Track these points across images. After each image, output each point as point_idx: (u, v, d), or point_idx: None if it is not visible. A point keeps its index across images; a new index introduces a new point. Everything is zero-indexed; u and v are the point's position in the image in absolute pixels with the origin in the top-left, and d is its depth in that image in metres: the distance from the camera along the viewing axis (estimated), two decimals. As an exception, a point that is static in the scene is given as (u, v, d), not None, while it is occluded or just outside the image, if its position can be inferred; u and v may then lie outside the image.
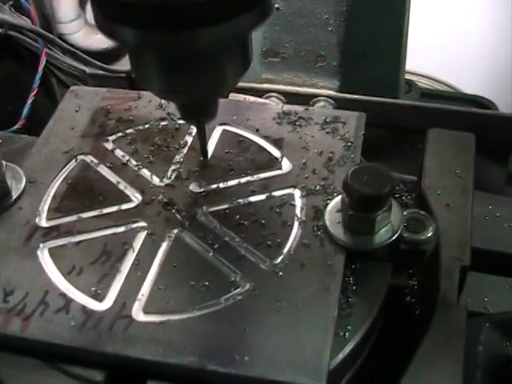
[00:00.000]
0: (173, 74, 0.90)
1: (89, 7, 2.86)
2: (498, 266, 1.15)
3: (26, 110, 1.66)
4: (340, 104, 1.52)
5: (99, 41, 2.77)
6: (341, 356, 0.92)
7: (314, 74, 1.58)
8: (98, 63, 1.72)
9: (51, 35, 1.78)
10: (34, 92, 1.69)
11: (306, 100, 1.52)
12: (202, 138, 1.09)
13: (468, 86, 2.24)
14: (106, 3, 0.82)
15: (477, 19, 2.44)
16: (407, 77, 1.75)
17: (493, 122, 1.48)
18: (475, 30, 2.44)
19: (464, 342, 0.96)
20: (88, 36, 2.72)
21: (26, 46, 1.77)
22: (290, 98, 1.55)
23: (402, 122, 1.53)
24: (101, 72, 1.69)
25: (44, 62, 1.72)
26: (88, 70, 1.71)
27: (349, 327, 0.94)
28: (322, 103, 1.54)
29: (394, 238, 0.99)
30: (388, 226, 1.00)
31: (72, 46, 1.85)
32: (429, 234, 1.01)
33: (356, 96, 1.50)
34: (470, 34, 2.45)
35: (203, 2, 0.78)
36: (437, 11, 2.41)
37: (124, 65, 1.76)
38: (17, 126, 1.61)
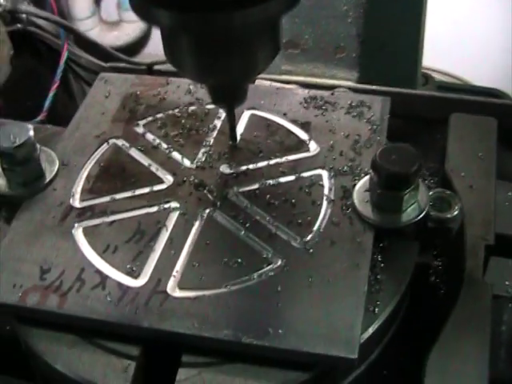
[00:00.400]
0: (206, 56, 0.92)
1: (103, 4, 2.89)
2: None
3: (47, 103, 1.68)
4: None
5: (114, 38, 2.79)
6: (371, 330, 0.94)
7: (333, 65, 1.59)
8: (120, 55, 1.74)
9: (73, 26, 1.81)
10: (56, 85, 1.71)
11: (326, 91, 1.53)
12: (232, 122, 1.11)
13: (482, 80, 2.25)
14: None
15: (489, 14, 2.44)
16: (422, 71, 1.77)
17: (509, 111, 1.48)
18: (488, 25, 2.44)
19: (490, 317, 0.99)
20: (103, 33, 2.74)
21: (45, 41, 1.79)
22: (310, 89, 1.55)
23: (421, 112, 1.54)
24: (121, 65, 1.71)
25: (66, 57, 1.74)
26: (107, 65, 1.73)
27: (378, 303, 0.97)
28: (338, 92, 1.55)
29: (421, 216, 1.01)
30: (415, 205, 1.02)
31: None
32: (455, 213, 1.03)
33: (375, 87, 1.51)
34: (482, 29, 2.45)
35: None
36: (450, 6, 2.42)
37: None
38: (39, 118, 1.63)
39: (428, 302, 1.11)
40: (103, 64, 1.74)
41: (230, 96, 1.03)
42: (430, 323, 1.05)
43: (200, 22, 0.83)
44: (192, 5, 0.81)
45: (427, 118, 1.53)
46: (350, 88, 1.51)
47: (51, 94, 1.70)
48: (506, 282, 1.13)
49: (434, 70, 2.24)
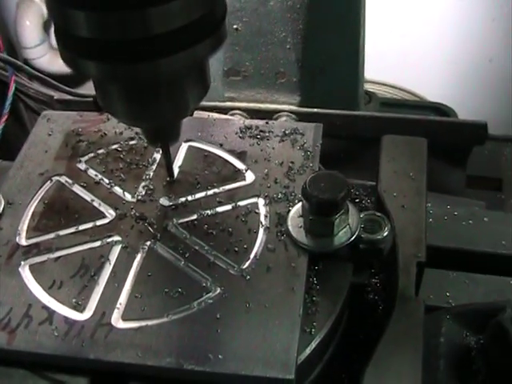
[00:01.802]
0: (136, 102, 0.96)
1: (53, 32, 2.89)
2: (458, 262, 1.22)
3: (-3, 136, 1.69)
4: (301, 118, 1.58)
5: (64, 65, 2.80)
6: (308, 351, 0.98)
7: (274, 90, 1.64)
8: (67, 88, 1.75)
9: (19, 62, 1.82)
10: (5, 118, 1.72)
11: (269, 116, 1.57)
12: (168, 159, 1.15)
13: (430, 93, 2.29)
14: (69, 38, 0.88)
15: (436, 26, 2.47)
16: (369, 86, 1.81)
17: (450, 128, 1.54)
18: (435, 37, 2.47)
19: (422, 332, 1.02)
20: (53, 60, 2.74)
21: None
22: (253, 114, 1.60)
23: (362, 133, 1.58)
24: (68, 97, 1.73)
25: (13, 89, 1.75)
26: (56, 95, 1.74)
27: (314, 323, 1.01)
28: (284, 118, 1.59)
29: (352, 238, 1.06)
30: (346, 228, 1.07)
31: (38, 70, 1.87)
32: (385, 234, 1.07)
33: (316, 110, 1.55)
34: (430, 41, 2.48)
35: (160, 34, 0.84)
36: (396, 19, 2.45)
37: (89, 89, 1.80)
38: (-13, 153, 1.64)
39: (368, 319, 1.15)
40: (52, 93, 1.75)
41: (164, 136, 1.07)
42: (369, 339, 1.08)
43: (127, 71, 0.87)
44: (118, 56, 0.85)
45: (368, 138, 1.55)
46: (291, 112, 1.55)
47: (0, 126, 1.71)
48: (447, 294, 1.18)
49: (379, 83, 2.28)
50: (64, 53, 0.91)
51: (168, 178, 1.17)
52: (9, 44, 2.13)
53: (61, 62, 2.47)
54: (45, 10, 2.74)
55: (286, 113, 1.57)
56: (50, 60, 2.77)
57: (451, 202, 1.33)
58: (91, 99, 1.64)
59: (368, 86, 1.88)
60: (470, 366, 1.05)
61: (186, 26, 0.85)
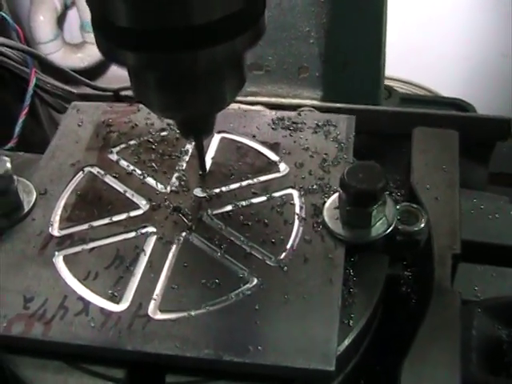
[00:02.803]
0: (172, 93, 0.95)
1: (66, 26, 2.89)
2: (485, 255, 1.21)
3: (17, 129, 1.67)
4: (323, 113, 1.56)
5: (78, 60, 2.80)
6: (346, 342, 0.98)
7: (297, 85, 1.63)
8: (88, 81, 1.75)
9: (40, 53, 1.81)
10: (26, 110, 1.71)
11: (291, 111, 1.54)
12: (201, 153, 1.14)
13: (445, 89, 2.29)
14: (108, 29, 0.87)
15: (449, 22, 2.47)
16: (386, 82, 1.79)
17: (473, 124, 1.53)
18: (448, 33, 2.47)
19: (459, 324, 1.02)
20: (67, 55, 2.75)
21: (10, 68, 1.79)
22: (276, 109, 1.57)
23: (385, 128, 1.57)
24: (88, 91, 1.72)
25: (34, 81, 1.74)
26: (74, 90, 1.74)
27: (352, 315, 1.00)
28: (304, 112, 1.58)
29: (389, 230, 1.05)
30: (383, 220, 1.06)
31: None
32: (421, 225, 1.07)
33: (339, 104, 1.54)
34: (442, 37, 2.48)
35: (200, 25, 0.83)
36: (411, 16, 2.44)
37: (105, 82, 1.79)
38: (10, 145, 1.64)
39: (400, 312, 1.15)
40: (70, 89, 1.75)
41: (198, 129, 1.06)
42: (403, 332, 1.08)
43: (166, 61, 0.86)
44: (158, 46, 0.84)
45: (391, 133, 1.56)
46: (314, 107, 1.54)
47: (21, 120, 1.70)
48: (475, 287, 1.17)
49: (397, 80, 2.28)
50: (101, 43, 0.90)
51: (200, 172, 1.17)
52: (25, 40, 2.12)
53: (75, 57, 2.49)
54: (58, 6, 2.75)
55: (308, 108, 1.55)
56: (63, 55, 2.77)
57: (477, 197, 1.32)
58: (111, 93, 1.64)
59: (385, 82, 1.87)
60: (501, 358, 1.05)
61: (226, 17, 0.84)
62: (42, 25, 2.75)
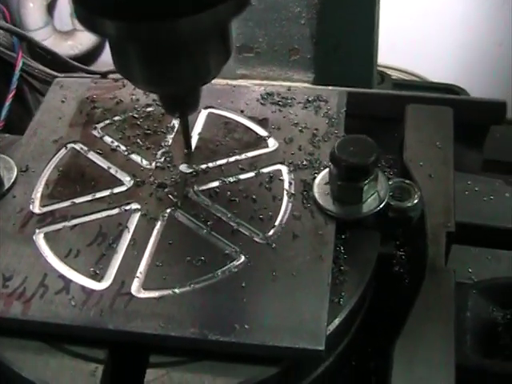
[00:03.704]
0: (154, 65, 0.91)
1: (57, 14, 2.85)
2: (480, 238, 1.19)
3: (4, 113, 1.65)
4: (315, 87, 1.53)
5: (68, 47, 2.77)
6: (337, 321, 0.95)
7: (288, 67, 1.59)
8: (75, 63, 1.72)
9: (27, 34, 1.78)
10: (12, 93, 1.68)
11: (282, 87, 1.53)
12: (186, 130, 1.10)
13: (440, 78, 2.26)
14: None
15: (445, 10, 2.45)
16: (379, 69, 1.77)
17: (467, 107, 1.49)
18: (444, 22, 2.44)
19: (454, 303, 1.00)
20: (57, 43, 2.71)
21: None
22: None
23: (377, 111, 1.54)
24: (76, 75, 1.68)
25: (21, 64, 1.71)
26: (61, 75, 1.71)
27: (343, 294, 0.97)
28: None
29: (381, 205, 1.02)
30: (375, 195, 1.03)
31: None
32: (415, 201, 1.04)
33: (331, 88, 1.50)
34: (438, 26, 2.45)
35: None
36: (407, 4, 2.42)
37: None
38: (-4, 128, 1.61)
39: (393, 292, 1.12)
40: (57, 74, 1.71)
41: (182, 105, 1.03)
42: (395, 312, 1.06)
43: (147, 30, 0.82)
44: (138, 14, 0.80)
45: (383, 117, 1.53)
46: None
47: (7, 103, 1.67)
48: (469, 270, 1.15)
49: (391, 68, 2.25)
50: (79, 11, 0.85)
51: (185, 150, 1.13)
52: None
53: (65, 44, 2.45)
54: (48, -8, 2.71)
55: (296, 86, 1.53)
56: (53, 43, 2.73)
57: (471, 179, 1.29)
58: (99, 76, 1.60)
59: (378, 69, 1.84)
60: (496, 340, 1.03)
61: None
62: (32, 12, 2.71)
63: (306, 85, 1.56)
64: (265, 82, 1.58)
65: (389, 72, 2.15)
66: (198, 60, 0.91)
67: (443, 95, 1.59)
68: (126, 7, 0.79)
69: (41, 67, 1.73)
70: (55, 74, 1.70)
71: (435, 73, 2.30)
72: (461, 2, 2.42)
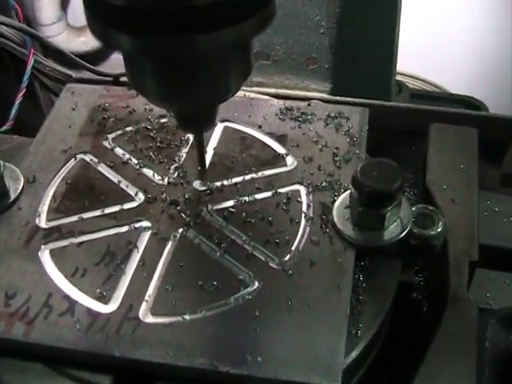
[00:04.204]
0: (169, 81, 0.86)
1: (70, 9, 2.83)
2: (499, 261, 1.14)
3: (14, 111, 1.62)
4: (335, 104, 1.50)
5: (81, 43, 2.73)
6: (354, 354, 0.91)
7: (305, 76, 1.56)
8: (87, 65, 1.69)
9: (38, 33, 1.75)
10: (23, 92, 1.65)
11: (302, 102, 1.49)
12: (200, 148, 1.05)
13: (455, 86, 2.23)
14: (101, 8, 0.77)
15: (457, 17, 2.42)
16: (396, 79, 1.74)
17: (487, 123, 1.46)
18: (462, 32, 2.41)
19: (475, 337, 0.96)
20: (70, 39, 2.67)
21: (8, 49, 1.74)
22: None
23: (396, 125, 1.50)
24: (87, 76, 1.65)
25: (32, 62, 1.68)
26: (74, 74, 1.68)
27: (360, 325, 0.93)
28: (315, 102, 1.52)
29: (404, 233, 0.98)
30: (397, 222, 0.99)
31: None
32: (438, 229, 1.00)
33: (349, 99, 1.47)
34: (456, 36, 2.42)
35: (202, 6, 0.73)
36: (424, 12, 2.39)
37: (108, 67, 1.72)
38: (5, 128, 1.58)
39: (410, 320, 1.08)
40: (69, 73, 1.68)
41: (198, 122, 0.98)
42: (413, 342, 1.02)
43: (163, 46, 0.77)
44: (154, 28, 0.75)
45: (402, 130, 1.50)
46: (322, 100, 1.48)
47: (17, 102, 1.64)
48: (487, 294, 1.10)
49: (407, 75, 2.22)
50: (92, 23, 0.80)
51: (199, 168, 1.08)
52: (26, 22, 2.06)
53: (78, 40, 2.42)
54: (62, -13, 2.69)
55: (316, 100, 1.49)
56: (66, 38, 2.70)
57: (490, 198, 1.24)
58: (111, 79, 1.57)
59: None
60: None
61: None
62: (45, 6, 2.68)
63: (323, 95, 1.52)
64: (281, 90, 1.55)
65: (405, 79, 2.12)
66: (217, 77, 0.87)
67: (463, 110, 1.55)
68: (141, 21, 0.74)
69: (53, 65, 1.71)
70: (66, 71, 1.68)
71: (451, 82, 2.27)
72: (476, 10, 2.39)
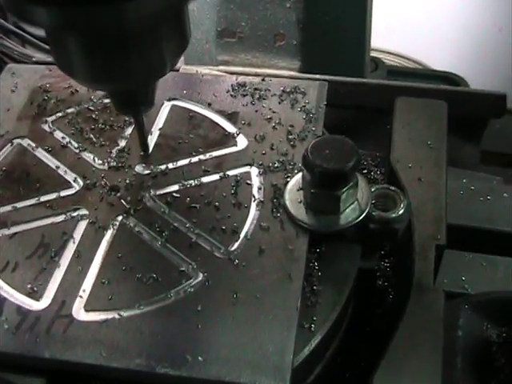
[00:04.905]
0: (98, 58, 0.80)
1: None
2: (475, 242, 1.09)
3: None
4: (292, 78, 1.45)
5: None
6: (306, 351, 0.85)
7: (273, 54, 1.50)
8: (47, 47, 1.63)
9: (7, 23, 1.70)
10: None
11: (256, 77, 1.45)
12: (141, 130, 1.00)
13: (437, 62, 2.20)
14: None
15: None
16: (374, 54, 1.70)
17: (465, 99, 1.41)
18: (442, 6, 2.40)
19: (442, 328, 0.90)
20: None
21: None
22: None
23: (368, 102, 1.45)
24: (49, 59, 1.59)
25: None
26: (34, 58, 1.62)
27: (315, 318, 0.87)
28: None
29: (361, 217, 0.92)
30: (355, 204, 0.93)
31: (25, 30, 1.75)
32: (400, 212, 0.94)
33: (318, 76, 1.43)
34: (436, 10, 2.41)
35: None
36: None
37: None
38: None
39: (375, 310, 1.03)
40: (30, 54, 1.63)
41: (135, 102, 0.92)
42: (378, 332, 0.97)
43: (85, 18, 0.70)
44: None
45: (374, 108, 1.44)
46: (292, 78, 1.42)
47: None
48: (463, 278, 1.05)
49: (385, 52, 2.19)
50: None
51: (141, 152, 1.03)
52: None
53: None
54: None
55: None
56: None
57: (467, 176, 1.21)
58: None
59: (372, 54, 1.76)
60: (491, 362, 0.94)
61: None
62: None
63: (291, 73, 1.48)
64: (247, 69, 1.50)
65: (383, 57, 2.08)
66: (149, 51, 0.80)
67: (438, 86, 1.49)
68: None
69: (21, 49, 1.65)
70: (28, 53, 1.63)
71: (432, 57, 2.25)
72: None
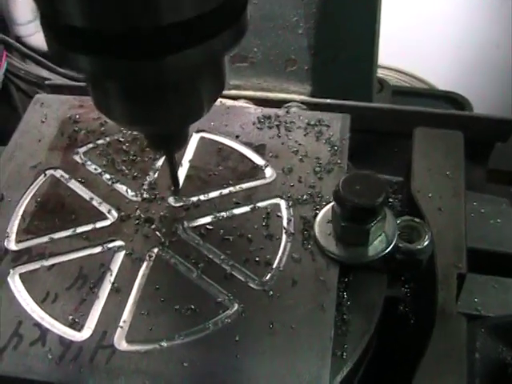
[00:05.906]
0: (137, 104, 0.80)
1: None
2: (486, 264, 1.12)
3: (-14, 118, 1.59)
4: (312, 109, 1.45)
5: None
6: (339, 378, 0.87)
7: (284, 78, 1.53)
8: (60, 69, 1.65)
9: (10, 39, 1.71)
10: (-3, 97, 1.62)
11: (277, 106, 1.44)
12: (172, 168, 1.00)
13: (437, 79, 2.23)
14: (61, 28, 0.71)
15: (442, 11, 2.41)
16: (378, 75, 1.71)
17: (473, 123, 1.44)
18: (441, 22, 2.41)
19: (465, 355, 0.93)
20: (46, 37, 2.63)
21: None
22: (260, 104, 1.47)
23: (378, 126, 1.48)
24: (60, 81, 1.60)
25: (5, 66, 1.64)
26: (49, 77, 1.63)
27: (346, 346, 0.89)
28: (294, 109, 1.48)
29: (389, 248, 0.95)
30: (382, 236, 0.95)
31: (31, 48, 1.77)
32: (425, 243, 0.96)
33: (329, 100, 1.46)
34: (436, 27, 2.42)
35: (169, 25, 0.66)
36: (404, 6, 2.38)
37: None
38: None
39: (398, 336, 1.05)
40: (43, 76, 1.64)
41: (170, 143, 0.92)
42: (401, 355, 1.00)
43: (127, 70, 0.71)
44: (119, 51, 0.69)
45: (385, 132, 1.48)
46: (302, 102, 1.44)
47: (-8, 106, 1.61)
48: (475, 299, 1.07)
49: (388, 68, 2.21)
50: (51, 45, 0.74)
51: (172, 189, 1.04)
52: (0, 20, 2.01)
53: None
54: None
55: (296, 103, 1.46)
56: (43, 37, 2.65)
57: (477, 199, 1.22)
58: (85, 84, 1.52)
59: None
60: (507, 383, 0.95)
61: (200, 16, 0.68)
62: (21, 5, 2.64)
63: (302, 97, 1.48)
64: (259, 93, 1.52)
65: (386, 73, 2.09)
66: (188, 98, 0.81)
67: (448, 111, 1.52)
68: (103, 43, 0.68)
69: (27, 68, 1.67)
70: (43, 74, 1.65)
71: (433, 74, 2.29)
72: (460, 4, 2.41)
